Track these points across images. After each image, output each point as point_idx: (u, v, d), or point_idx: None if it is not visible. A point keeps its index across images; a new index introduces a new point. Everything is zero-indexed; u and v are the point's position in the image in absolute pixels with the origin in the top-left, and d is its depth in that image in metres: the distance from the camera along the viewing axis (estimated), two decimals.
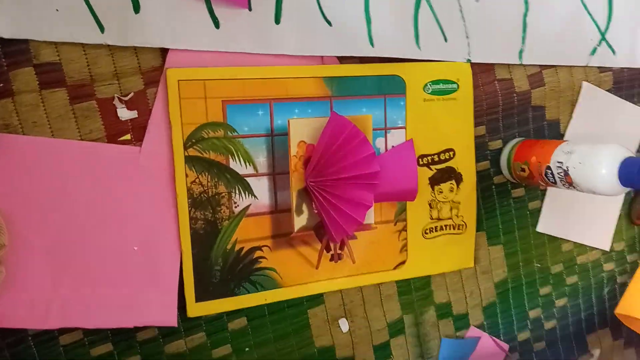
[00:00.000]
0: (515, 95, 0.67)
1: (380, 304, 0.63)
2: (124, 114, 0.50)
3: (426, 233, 0.63)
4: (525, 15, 0.64)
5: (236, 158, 0.54)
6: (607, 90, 0.72)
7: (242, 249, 0.55)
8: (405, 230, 0.62)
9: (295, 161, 0.56)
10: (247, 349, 0.58)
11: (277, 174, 0.56)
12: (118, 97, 0.50)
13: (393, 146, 0.60)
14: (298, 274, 0.58)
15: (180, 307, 0.54)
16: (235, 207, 0.55)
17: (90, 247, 0.50)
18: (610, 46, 0.70)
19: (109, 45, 0.49)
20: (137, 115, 0.51)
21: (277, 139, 0.55)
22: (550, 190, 0.71)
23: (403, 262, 0.63)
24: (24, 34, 0.46)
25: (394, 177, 0.59)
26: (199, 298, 0.54)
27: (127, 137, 0.51)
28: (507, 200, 0.69)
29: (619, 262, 0.78)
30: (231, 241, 0.55)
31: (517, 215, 0.70)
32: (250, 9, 0.52)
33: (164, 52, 0.51)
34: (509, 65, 0.66)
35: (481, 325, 0.69)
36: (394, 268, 0.62)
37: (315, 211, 0.58)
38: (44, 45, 0.47)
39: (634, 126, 0.75)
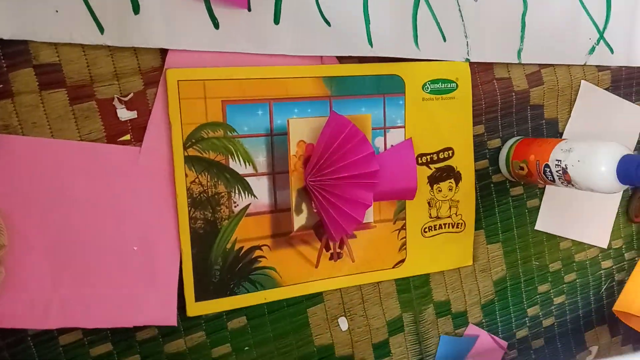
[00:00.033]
0: (513, 94, 0.67)
1: (380, 303, 0.64)
2: (124, 114, 0.50)
3: (425, 232, 0.64)
4: (523, 14, 0.64)
5: (236, 158, 0.54)
6: (606, 89, 0.72)
7: (241, 248, 0.56)
8: (405, 229, 0.62)
9: (295, 161, 0.56)
10: (246, 348, 0.58)
11: (277, 173, 0.56)
12: (118, 98, 0.50)
13: (392, 145, 0.60)
14: (297, 273, 0.58)
15: (179, 307, 0.54)
16: (235, 206, 0.55)
17: (90, 247, 0.50)
18: (608, 45, 0.70)
19: (108, 46, 0.48)
20: (136, 116, 0.51)
21: (276, 139, 0.55)
22: (549, 189, 0.71)
23: (402, 261, 0.63)
24: (24, 34, 0.46)
25: (393, 176, 0.59)
26: (199, 297, 0.54)
27: (127, 137, 0.51)
28: (505, 198, 0.69)
29: (616, 260, 0.78)
30: (231, 241, 0.55)
31: (516, 213, 0.70)
32: (249, 10, 0.52)
33: (163, 52, 0.51)
34: (507, 64, 0.66)
35: (480, 323, 0.70)
36: (393, 266, 0.63)
37: (315, 210, 0.58)
38: (44, 46, 0.47)
39: (632, 124, 0.75)
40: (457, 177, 0.64)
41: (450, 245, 0.65)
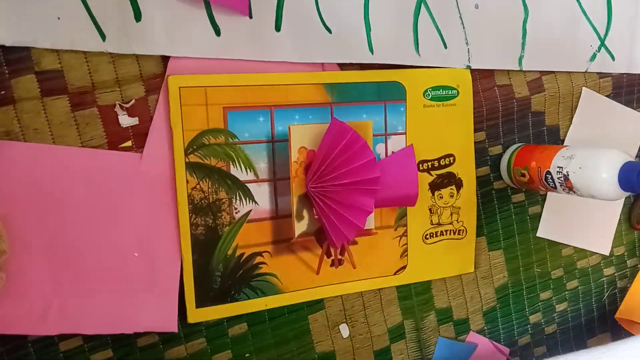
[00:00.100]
0: (515, 101, 0.67)
1: (381, 309, 0.63)
2: (125, 120, 0.50)
3: (426, 238, 0.64)
4: (524, 21, 0.65)
5: (237, 164, 0.54)
6: (607, 96, 0.72)
7: (242, 254, 0.55)
8: (406, 236, 0.62)
9: (296, 167, 0.56)
10: (247, 354, 0.58)
11: (278, 179, 0.56)
12: (119, 104, 0.50)
13: (393, 152, 0.60)
14: (298, 280, 0.58)
15: (180, 313, 0.54)
16: (236, 212, 0.55)
17: (91, 253, 0.50)
18: (609, 52, 0.70)
19: (110, 53, 0.49)
20: (138, 122, 0.51)
21: (277, 145, 0.56)
22: (550, 195, 0.71)
23: (403, 267, 0.63)
24: (26, 41, 0.46)
25: (395, 182, 0.59)
26: (200, 304, 0.54)
27: (128, 143, 0.51)
28: (507, 205, 0.69)
29: (619, 267, 0.78)
30: (232, 247, 0.55)
31: (517, 220, 0.70)
32: (250, 17, 0.52)
33: (165, 59, 0.51)
34: (508, 71, 0.66)
35: (482, 330, 0.69)
36: (395, 273, 0.63)
37: (316, 217, 0.58)
38: (46, 52, 0.47)
39: (633, 131, 0.75)
40: (459, 184, 0.64)
41: (452, 252, 0.65)
